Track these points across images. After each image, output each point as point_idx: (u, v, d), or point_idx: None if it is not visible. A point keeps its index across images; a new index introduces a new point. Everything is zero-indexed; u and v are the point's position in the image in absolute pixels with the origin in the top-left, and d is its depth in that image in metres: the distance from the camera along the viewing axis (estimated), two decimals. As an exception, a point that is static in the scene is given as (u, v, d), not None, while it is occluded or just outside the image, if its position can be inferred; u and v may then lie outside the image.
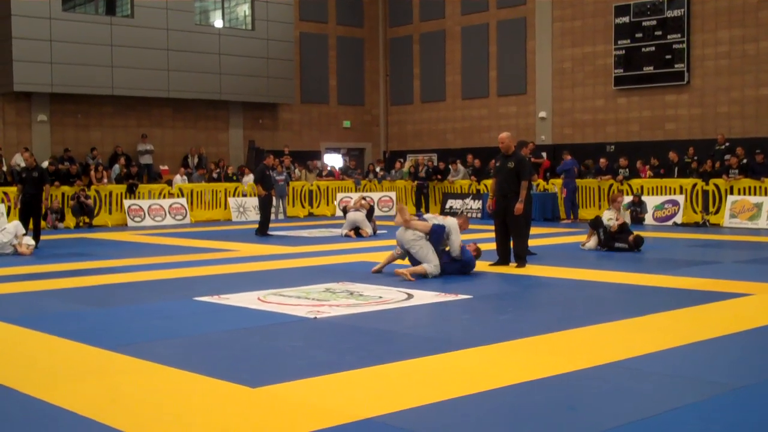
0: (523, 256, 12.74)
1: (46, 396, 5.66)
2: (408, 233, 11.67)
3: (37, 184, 16.98)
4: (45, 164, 22.15)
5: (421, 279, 11.20)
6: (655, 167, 23.42)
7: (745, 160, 21.42)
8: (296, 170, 27.63)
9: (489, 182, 25.87)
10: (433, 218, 12.07)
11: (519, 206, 12.59)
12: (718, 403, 5.43)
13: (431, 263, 11.46)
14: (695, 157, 22.88)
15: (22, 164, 20.08)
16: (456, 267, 11.75)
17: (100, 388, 5.92)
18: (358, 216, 18.77)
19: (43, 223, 21.52)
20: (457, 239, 11.71)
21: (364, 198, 20.00)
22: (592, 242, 15.26)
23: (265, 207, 19.50)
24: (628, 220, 15.40)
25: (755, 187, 21.01)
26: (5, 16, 24.87)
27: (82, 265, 13.54)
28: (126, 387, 5.97)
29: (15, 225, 15.63)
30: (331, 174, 28.88)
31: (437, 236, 11.63)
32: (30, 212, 16.97)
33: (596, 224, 15.27)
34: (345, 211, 19.47)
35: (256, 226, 19.73)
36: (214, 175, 26.73)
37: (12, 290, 10.86)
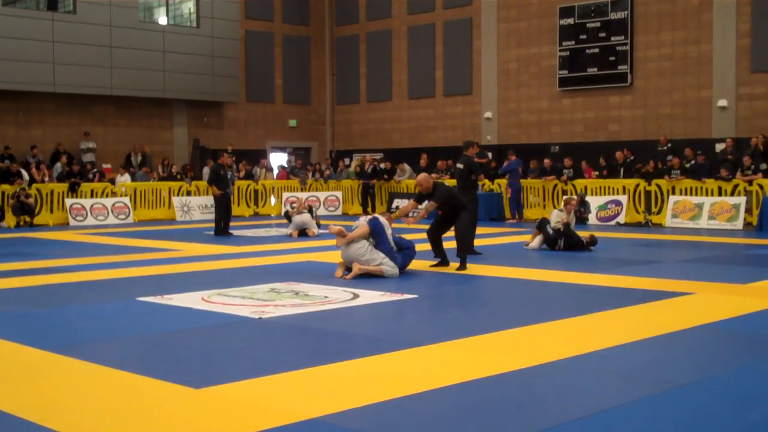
0: (465, 258, 12.46)
1: (-16, 398, 5.53)
2: (351, 248, 11.44)
3: None
4: None
5: (369, 279, 11.14)
6: (601, 167, 23.65)
7: (693, 161, 21.69)
8: (239, 170, 27.44)
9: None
10: (363, 218, 12.05)
11: (410, 220, 12.93)
12: (662, 399, 5.48)
13: (387, 264, 11.41)
14: (631, 158, 23.14)
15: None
16: (407, 256, 11.79)
17: (40, 390, 5.81)
18: (305, 217, 18.76)
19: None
20: (389, 231, 11.75)
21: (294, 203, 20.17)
22: (536, 242, 15.37)
23: (221, 207, 19.29)
24: (572, 221, 15.54)
25: (696, 188, 21.33)
26: (-57, 11, 24.36)
27: (22, 265, 13.29)
28: (67, 389, 5.86)
29: None
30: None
31: (379, 231, 11.54)
32: None
33: (542, 225, 15.39)
34: (288, 217, 19.29)
35: (201, 225, 19.56)
36: (163, 174, 26.49)
37: (-51, 290, 10.61)
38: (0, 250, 15.66)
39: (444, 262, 12.69)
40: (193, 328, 8.06)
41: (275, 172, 29.08)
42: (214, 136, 30.51)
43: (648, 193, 21.94)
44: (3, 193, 22.57)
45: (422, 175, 13.12)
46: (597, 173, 23.66)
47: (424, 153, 27.66)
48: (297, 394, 5.70)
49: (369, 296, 9.84)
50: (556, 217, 15.35)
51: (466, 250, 12.76)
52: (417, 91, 31.13)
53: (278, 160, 32.33)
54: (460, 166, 14.74)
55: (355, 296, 9.85)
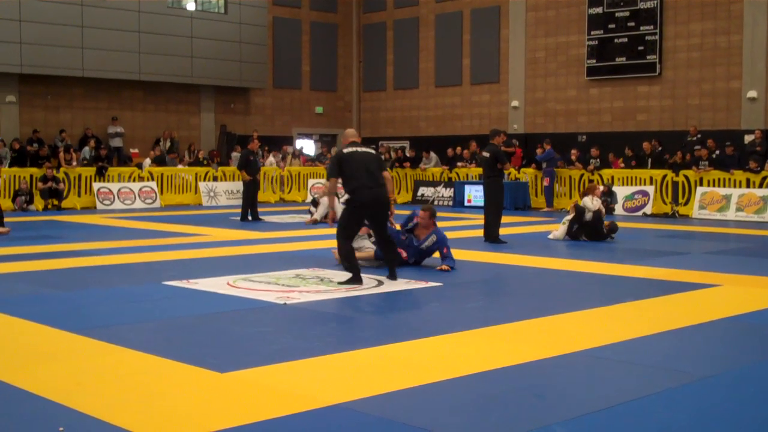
0: (395, 266, 10.30)
1: (11, 379, 5.60)
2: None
3: None
4: None
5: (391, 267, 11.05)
6: (628, 158, 23.50)
7: (717, 152, 21.55)
8: (270, 156, 27.51)
9: (462, 171, 26.06)
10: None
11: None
12: (684, 392, 5.47)
13: (370, 245, 11.55)
14: (660, 149, 23.00)
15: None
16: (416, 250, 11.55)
17: (66, 372, 5.87)
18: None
19: (11, 205, 21.39)
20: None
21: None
22: (560, 232, 15.31)
23: (248, 192, 19.30)
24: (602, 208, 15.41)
25: (724, 179, 21.18)
26: (-26, -5, 24.57)
27: (50, 248, 13.42)
28: (93, 370, 5.92)
29: None
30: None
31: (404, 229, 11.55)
32: None
33: (580, 210, 15.11)
34: (315, 204, 19.06)
35: (227, 210, 19.62)
36: (190, 159, 26.62)
37: (-22, 272, 10.74)
38: (28, 233, 15.81)
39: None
40: (218, 312, 8.11)
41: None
42: (240, 122, 30.60)
43: (675, 184, 21.81)
44: (31, 176, 22.76)
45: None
46: (623, 164, 23.48)
47: (449, 148, 27.65)
48: (320, 379, 5.74)
49: (393, 284, 9.86)
50: (590, 202, 15.13)
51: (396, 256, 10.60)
52: (444, 79, 31.05)
53: (305, 146, 32.39)
54: (486, 154, 14.69)
55: (380, 283, 9.87)
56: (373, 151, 10.26)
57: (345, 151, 10.12)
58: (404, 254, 11.29)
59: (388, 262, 10.32)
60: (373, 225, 10.35)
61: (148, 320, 7.78)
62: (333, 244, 14.01)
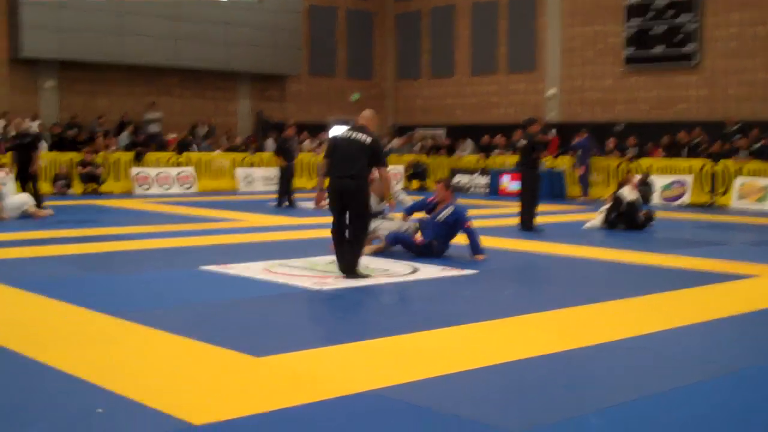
0: (354, 267, 9.39)
1: (51, 360, 5.70)
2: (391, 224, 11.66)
3: (29, 150, 17.05)
4: (34, 128, 22.15)
5: (421, 255, 11.04)
6: (667, 147, 23.28)
7: (761, 142, 21.27)
8: (307, 141, 27.59)
9: (499, 159, 25.99)
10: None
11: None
12: (719, 383, 5.45)
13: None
14: (699, 139, 22.78)
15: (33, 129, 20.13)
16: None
17: (104, 354, 5.96)
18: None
19: (51, 189, 21.65)
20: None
21: None
22: (597, 221, 15.22)
23: (284, 178, 19.42)
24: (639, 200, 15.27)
25: (764, 170, 20.94)
26: (15, -18, 24.82)
27: (88, 232, 13.58)
28: (130, 353, 6.01)
29: (22, 198, 15.88)
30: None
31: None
32: (25, 177, 17.05)
33: (619, 199, 14.99)
34: None
35: (263, 196, 19.71)
36: (226, 145, 26.80)
37: (18, 255, 10.89)
38: (67, 217, 16.00)
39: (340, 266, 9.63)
40: (254, 297, 8.18)
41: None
42: (276, 109, 30.69)
43: (714, 174, 21.62)
44: (71, 161, 23.01)
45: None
46: (664, 152, 23.24)
47: (486, 134, 27.59)
48: (354, 365, 5.78)
49: (429, 271, 9.88)
50: (628, 192, 14.99)
51: (357, 259, 9.52)
52: (480, 68, 30.93)
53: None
54: (522, 143, 14.66)
55: (415, 270, 9.89)
56: (365, 140, 9.34)
57: (340, 135, 9.67)
58: (419, 238, 11.06)
59: (339, 255, 9.45)
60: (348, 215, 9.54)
61: (184, 304, 7.86)
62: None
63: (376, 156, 9.38)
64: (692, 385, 5.37)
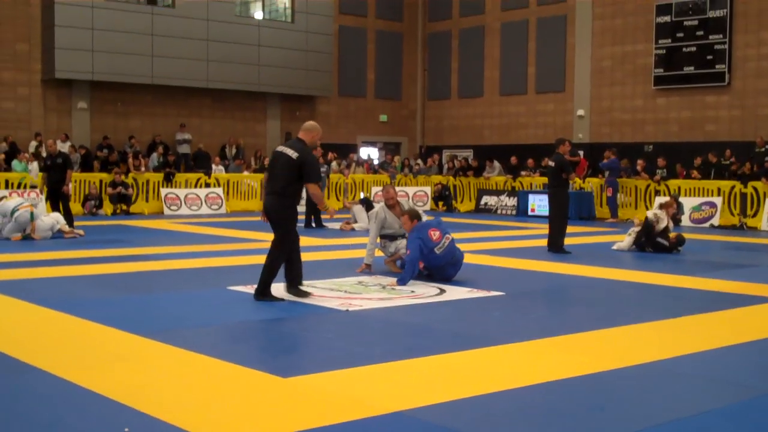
0: (261, 292, 9.12)
1: (79, 380, 5.73)
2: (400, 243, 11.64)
3: (62, 170, 17.25)
4: (65, 149, 22.44)
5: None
6: (696, 168, 23.11)
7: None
8: (333, 162, 27.64)
9: (525, 180, 25.93)
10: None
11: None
12: (750, 406, 5.39)
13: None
14: (732, 159, 22.62)
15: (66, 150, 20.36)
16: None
17: (132, 374, 5.99)
18: (356, 208, 19.34)
19: (81, 210, 21.84)
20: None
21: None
22: (625, 243, 15.13)
23: (312, 200, 19.44)
24: (671, 225, 15.09)
25: (795, 191, 20.76)
26: (49, 4, 25.15)
27: (118, 252, 13.67)
28: (157, 373, 6.03)
29: (54, 217, 16.11)
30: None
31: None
32: (57, 198, 17.28)
33: (649, 222, 14.84)
34: (370, 206, 18.85)
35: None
36: (256, 166, 26.93)
37: (49, 275, 10.99)
38: (98, 237, 16.13)
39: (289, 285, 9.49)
40: (281, 318, 8.19)
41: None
42: (305, 130, 30.78)
43: (744, 195, 21.44)
44: (101, 181, 23.21)
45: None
46: (694, 172, 23.07)
47: (513, 156, 27.54)
48: (382, 386, 5.76)
49: (456, 292, 9.86)
50: (658, 217, 14.82)
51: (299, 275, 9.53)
52: (509, 88, 30.95)
53: (370, 154, 32.57)
54: (551, 163, 14.67)
55: (442, 291, 9.88)
56: (291, 155, 8.96)
57: (276, 149, 9.32)
58: (421, 265, 10.76)
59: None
60: None
61: (212, 324, 7.89)
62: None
63: (304, 172, 8.98)
64: (724, 408, 5.32)
